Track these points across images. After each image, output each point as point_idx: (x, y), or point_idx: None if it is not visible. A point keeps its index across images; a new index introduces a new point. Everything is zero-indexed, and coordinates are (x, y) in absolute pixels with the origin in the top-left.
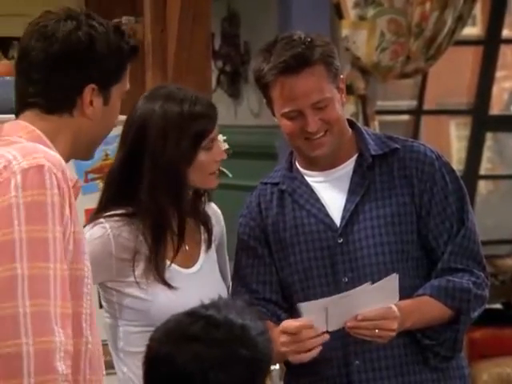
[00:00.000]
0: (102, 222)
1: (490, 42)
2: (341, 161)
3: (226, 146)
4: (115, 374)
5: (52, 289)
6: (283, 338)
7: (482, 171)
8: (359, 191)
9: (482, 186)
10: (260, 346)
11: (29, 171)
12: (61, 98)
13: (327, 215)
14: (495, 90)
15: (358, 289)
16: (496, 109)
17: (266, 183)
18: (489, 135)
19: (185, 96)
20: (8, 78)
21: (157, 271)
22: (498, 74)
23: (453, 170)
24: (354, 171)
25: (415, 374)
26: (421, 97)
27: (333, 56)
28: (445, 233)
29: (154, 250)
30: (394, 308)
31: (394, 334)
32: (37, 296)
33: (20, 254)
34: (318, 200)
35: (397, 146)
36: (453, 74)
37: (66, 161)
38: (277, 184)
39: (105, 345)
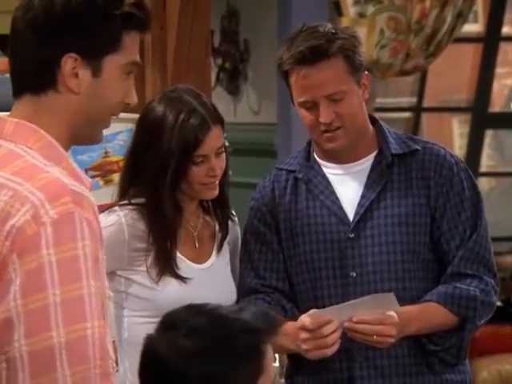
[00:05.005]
0: (115, 211)
1: (490, 39)
2: (360, 156)
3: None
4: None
5: (91, 350)
6: (304, 335)
7: (484, 168)
8: (375, 188)
9: (483, 184)
10: (241, 342)
11: (60, 223)
12: (41, 72)
13: (340, 208)
14: (496, 87)
15: (363, 298)
16: (497, 106)
17: (281, 169)
18: (489, 132)
19: (184, 106)
20: (7, 75)
21: (165, 262)
22: (499, 70)
23: (471, 177)
24: (372, 168)
25: (417, 376)
26: (421, 94)
27: (354, 50)
28: (457, 237)
29: (159, 242)
30: (393, 314)
31: (392, 340)
32: (77, 362)
33: (55, 320)
34: (332, 192)
35: (417, 147)
36: (453, 71)
37: (68, 147)
38: (293, 171)
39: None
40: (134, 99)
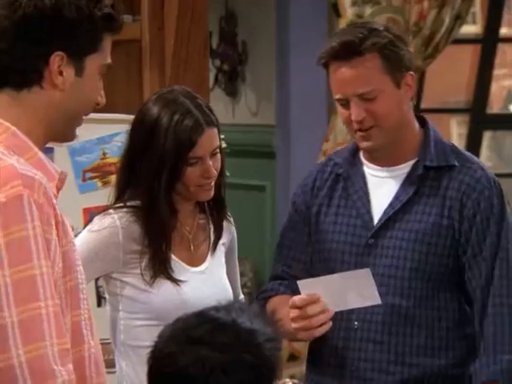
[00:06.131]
0: (110, 213)
1: (488, 41)
2: (401, 160)
3: (223, 144)
4: (114, 372)
5: (46, 329)
6: (293, 313)
7: None
8: (403, 198)
9: None
10: (266, 353)
11: (7, 206)
12: (28, 68)
13: (368, 212)
14: (495, 88)
15: (348, 272)
16: (495, 107)
17: (330, 159)
18: (487, 133)
19: (178, 108)
20: None
21: (159, 264)
22: (498, 72)
23: (502, 205)
24: (408, 176)
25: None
26: (419, 95)
27: (393, 49)
28: (481, 265)
29: (154, 245)
30: None
31: None
32: (31, 341)
33: (7, 300)
34: (366, 194)
35: (455, 163)
36: (451, 73)
37: (42, 143)
38: (338, 164)
39: (107, 343)
40: (103, 100)
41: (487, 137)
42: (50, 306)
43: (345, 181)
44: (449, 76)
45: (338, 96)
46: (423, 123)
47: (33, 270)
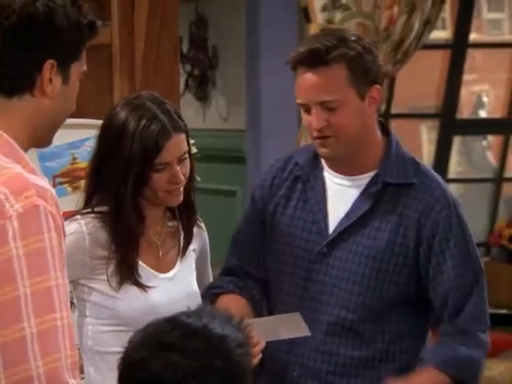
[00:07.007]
0: (77, 219)
1: (458, 46)
2: (362, 170)
3: (194, 149)
4: (83, 378)
5: (61, 340)
6: None
7: (452, 175)
8: (359, 211)
9: (452, 190)
10: (236, 359)
11: (25, 216)
12: (21, 76)
13: (325, 219)
14: (465, 93)
15: (284, 315)
16: (465, 112)
17: (292, 157)
18: (457, 139)
19: (145, 113)
20: None
21: (126, 270)
22: (467, 77)
23: (461, 223)
24: (366, 188)
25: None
26: (389, 100)
27: (361, 62)
28: (445, 286)
29: (121, 250)
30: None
31: None
32: (48, 353)
33: (26, 311)
34: (324, 199)
35: (413, 180)
36: (421, 78)
37: (26, 149)
38: (299, 165)
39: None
40: (74, 106)
41: (457, 142)
42: (64, 318)
43: (304, 183)
44: (418, 81)
45: (299, 101)
46: (386, 132)
47: (50, 281)
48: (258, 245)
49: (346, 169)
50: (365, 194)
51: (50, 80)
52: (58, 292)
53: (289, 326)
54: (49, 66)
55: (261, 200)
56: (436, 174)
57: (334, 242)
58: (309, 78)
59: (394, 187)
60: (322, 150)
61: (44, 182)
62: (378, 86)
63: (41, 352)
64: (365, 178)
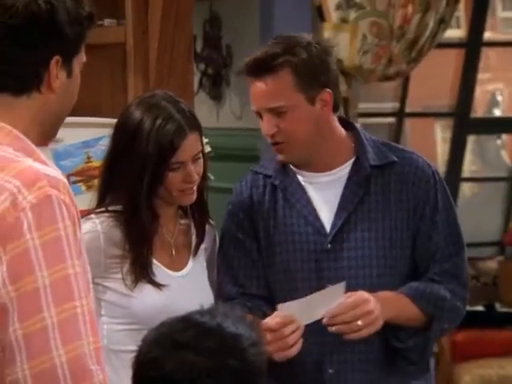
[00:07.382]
0: (91, 218)
1: (472, 45)
2: (334, 164)
3: (208, 148)
4: None
5: (82, 328)
6: (268, 337)
7: (466, 174)
8: (353, 199)
9: (466, 189)
10: (251, 358)
11: (39, 207)
12: (29, 74)
13: (317, 218)
14: (478, 92)
15: (325, 290)
16: (479, 111)
17: (258, 173)
18: (471, 138)
19: (161, 112)
20: None
21: (140, 269)
22: (482, 76)
23: (446, 189)
24: (349, 177)
25: (382, 371)
26: (403, 99)
27: (308, 67)
28: (431, 252)
29: (135, 249)
30: (360, 292)
31: (374, 316)
32: (69, 341)
33: (46, 301)
34: (309, 201)
35: (394, 158)
36: (436, 77)
37: (37, 145)
38: (269, 177)
39: None
40: None
41: (471, 141)
42: (84, 305)
43: (283, 191)
44: (433, 80)
45: (252, 108)
46: (349, 126)
47: (67, 269)
48: (255, 265)
49: (315, 167)
50: (352, 181)
51: (56, 76)
52: (77, 280)
53: (325, 302)
54: (55, 63)
55: (248, 220)
56: (408, 148)
57: (337, 237)
58: (257, 85)
59: (377, 169)
60: (279, 157)
61: (56, 173)
62: (328, 90)
63: (62, 340)
64: (344, 168)
